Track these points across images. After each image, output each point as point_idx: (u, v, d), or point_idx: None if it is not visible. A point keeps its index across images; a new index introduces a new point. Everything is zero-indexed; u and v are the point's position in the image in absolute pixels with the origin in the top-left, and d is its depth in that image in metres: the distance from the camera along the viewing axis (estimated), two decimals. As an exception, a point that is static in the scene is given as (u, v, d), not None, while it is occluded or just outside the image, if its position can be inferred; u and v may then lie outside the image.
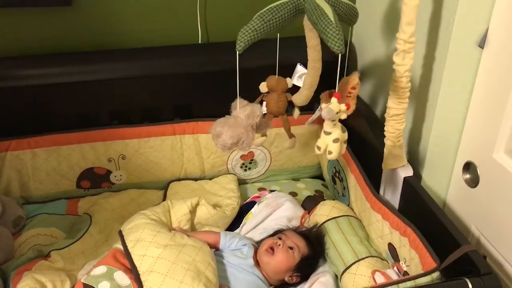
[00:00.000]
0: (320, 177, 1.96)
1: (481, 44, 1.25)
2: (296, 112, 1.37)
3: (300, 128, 1.82)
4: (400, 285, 1.12)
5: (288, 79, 1.29)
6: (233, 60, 1.73)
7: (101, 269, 1.22)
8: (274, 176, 1.91)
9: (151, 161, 1.77)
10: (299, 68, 1.24)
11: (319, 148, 1.09)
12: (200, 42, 1.76)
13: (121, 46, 1.69)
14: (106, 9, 1.64)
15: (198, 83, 1.73)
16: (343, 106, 1.04)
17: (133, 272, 1.22)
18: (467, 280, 1.05)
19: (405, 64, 1.21)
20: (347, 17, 1.13)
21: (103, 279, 1.19)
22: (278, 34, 1.21)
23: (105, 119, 1.73)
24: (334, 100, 1.02)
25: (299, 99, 1.24)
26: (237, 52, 1.00)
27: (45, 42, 1.64)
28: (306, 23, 1.13)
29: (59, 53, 1.65)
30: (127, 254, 1.27)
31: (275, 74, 1.34)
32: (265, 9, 1.04)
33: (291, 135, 1.38)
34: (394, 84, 1.25)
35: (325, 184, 1.91)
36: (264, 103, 1.31)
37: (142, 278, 1.20)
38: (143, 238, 1.30)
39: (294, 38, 1.63)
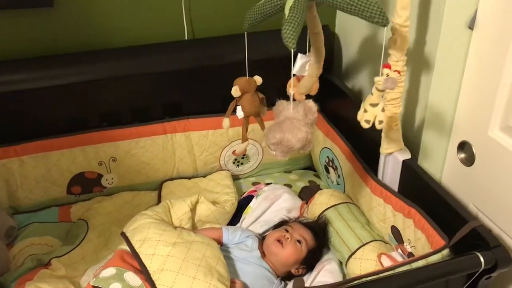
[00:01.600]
0: (311, 168, 1.98)
1: (471, 26, 1.28)
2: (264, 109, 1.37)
3: (290, 120, 1.83)
4: (413, 264, 1.14)
5: (256, 77, 1.29)
6: (220, 55, 1.74)
7: (110, 271, 1.19)
8: (267, 169, 1.92)
9: (142, 162, 1.74)
10: (301, 57, 1.25)
11: (368, 121, 1.13)
12: (186, 38, 1.74)
13: (106, 46, 1.65)
14: (90, 8, 1.60)
15: (186, 80, 1.72)
16: (397, 74, 1.08)
17: (143, 272, 1.20)
18: (479, 254, 1.08)
19: (401, 48, 1.23)
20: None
21: (114, 280, 1.16)
22: (246, 33, 1.22)
23: (94, 121, 1.69)
24: (387, 70, 1.06)
25: (305, 88, 1.25)
26: (292, 50, 0.98)
27: (28, 45, 1.59)
28: (311, 10, 1.13)
29: (43, 56, 1.60)
30: (134, 254, 1.24)
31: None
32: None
33: (245, 139, 1.37)
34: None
35: (317, 174, 1.93)
36: (239, 107, 1.30)
37: (154, 277, 1.18)
38: (150, 237, 1.28)
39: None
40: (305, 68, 1.26)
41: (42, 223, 1.61)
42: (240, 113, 1.30)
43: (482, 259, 1.07)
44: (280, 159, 1.15)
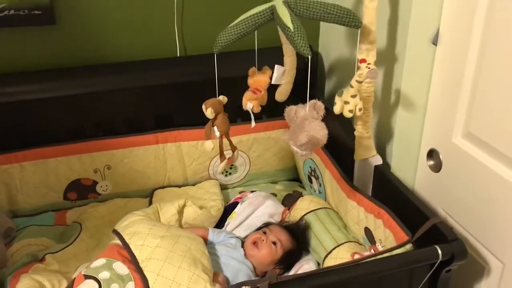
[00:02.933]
0: (296, 179, 2.07)
1: (434, 42, 1.40)
2: None
3: (276, 133, 1.94)
4: (378, 257, 1.23)
5: (222, 97, 1.37)
6: (209, 71, 1.85)
7: (101, 261, 1.29)
8: (254, 180, 2.01)
9: (135, 170, 1.85)
10: (278, 67, 1.36)
11: (352, 111, 1.27)
12: (178, 55, 1.87)
13: (104, 61, 1.78)
14: (89, 27, 1.74)
15: (178, 94, 1.83)
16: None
17: (132, 261, 1.29)
18: (437, 247, 1.17)
19: (369, 61, 1.35)
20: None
21: (103, 269, 1.25)
22: (216, 57, 1.31)
23: (91, 131, 1.80)
24: (364, 64, 1.24)
25: (283, 94, 1.36)
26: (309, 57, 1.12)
27: (31, 59, 1.72)
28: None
29: (44, 69, 1.73)
30: (125, 245, 1.33)
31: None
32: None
33: (224, 157, 1.44)
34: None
35: (302, 185, 2.02)
36: (214, 127, 1.37)
37: (142, 265, 1.27)
38: (140, 231, 1.37)
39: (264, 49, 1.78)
40: (282, 77, 1.38)
41: (39, 226, 1.70)
42: (216, 133, 1.38)
43: (439, 251, 1.16)
44: (306, 158, 1.24)
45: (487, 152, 1.28)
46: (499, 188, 1.24)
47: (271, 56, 1.67)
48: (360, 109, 1.30)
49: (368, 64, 1.28)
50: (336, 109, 1.30)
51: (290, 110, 1.28)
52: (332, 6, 1.18)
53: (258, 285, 1.06)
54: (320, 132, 1.20)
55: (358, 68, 1.30)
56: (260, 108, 1.38)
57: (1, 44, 1.68)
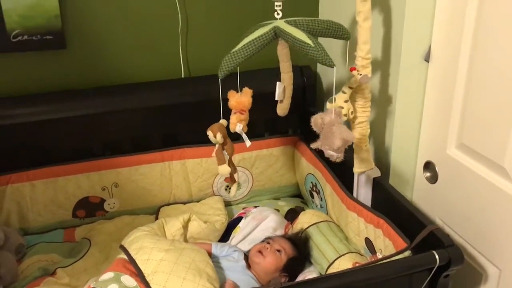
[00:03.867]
0: (299, 195, 2.12)
1: (427, 58, 1.47)
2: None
3: (277, 150, 2.00)
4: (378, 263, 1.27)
5: (223, 120, 1.41)
6: (213, 91, 1.93)
7: (109, 275, 1.33)
8: (257, 196, 2.06)
9: (142, 188, 1.90)
10: (279, 84, 1.44)
11: (346, 115, 1.37)
12: (183, 76, 1.95)
13: (112, 83, 1.86)
14: (98, 50, 1.82)
15: (182, 113, 1.90)
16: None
17: (139, 275, 1.33)
18: (434, 252, 1.22)
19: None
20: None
21: (112, 282, 1.30)
22: (220, 81, 1.31)
23: (98, 150, 1.87)
24: (355, 72, 1.35)
25: (285, 109, 1.43)
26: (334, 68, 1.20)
27: (43, 82, 1.80)
28: (280, 44, 1.34)
29: (56, 91, 1.80)
30: (131, 260, 1.37)
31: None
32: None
33: (234, 180, 1.48)
34: (357, 95, 1.45)
35: (304, 201, 2.07)
36: (224, 151, 1.40)
37: (148, 278, 1.31)
38: (145, 245, 1.41)
39: (265, 70, 1.86)
40: (283, 93, 1.45)
41: (48, 243, 1.75)
42: (226, 157, 1.41)
43: (437, 256, 1.20)
44: (339, 161, 1.31)
45: (480, 162, 1.34)
46: (492, 196, 1.29)
47: (254, 77, 1.74)
48: (352, 112, 1.40)
49: (358, 71, 1.38)
50: None
51: (316, 119, 1.33)
52: (327, 21, 1.28)
53: (263, 291, 1.11)
54: (350, 135, 1.28)
55: (352, 75, 1.39)
56: (246, 128, 1.42)
57: (15, 67, 1.77)
